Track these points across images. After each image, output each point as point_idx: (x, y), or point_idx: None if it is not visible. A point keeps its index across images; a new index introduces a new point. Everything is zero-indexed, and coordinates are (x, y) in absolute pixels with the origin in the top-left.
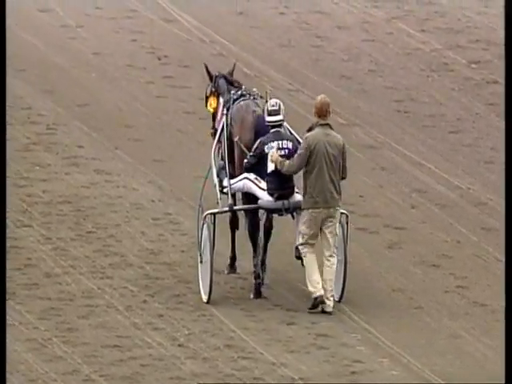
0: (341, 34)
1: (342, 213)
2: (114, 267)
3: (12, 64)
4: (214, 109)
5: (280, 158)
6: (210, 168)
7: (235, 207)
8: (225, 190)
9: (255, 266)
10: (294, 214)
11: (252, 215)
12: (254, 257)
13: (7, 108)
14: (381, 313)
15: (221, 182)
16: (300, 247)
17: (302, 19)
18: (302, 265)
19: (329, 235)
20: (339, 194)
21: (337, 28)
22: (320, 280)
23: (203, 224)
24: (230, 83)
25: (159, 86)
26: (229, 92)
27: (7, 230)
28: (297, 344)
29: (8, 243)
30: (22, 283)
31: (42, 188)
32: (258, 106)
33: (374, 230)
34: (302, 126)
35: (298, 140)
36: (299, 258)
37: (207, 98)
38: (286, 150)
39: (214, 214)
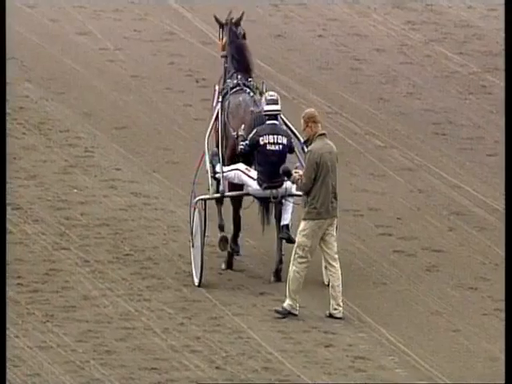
0: (379, 57)
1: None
2: (152, 289)
3: (51, 87)
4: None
5: (297, 177)
6: (203, 157)
7: (226, 194)
8: (217, 176)
9: (233, 242)
10: (283, 201)
11: (237, 202)
12: (233, 237)
13: (46, 131)
14: (419, 335)
15: (213, 168)
16: (298, 259)
17: (340, 42)
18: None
19: (331, 241)
20: (337, 201)
21: (375, 51)
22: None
23: (194, 209)
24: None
25: (197, 109)
26: (225, 81)
27: (45, 253)
28: (334, 366)
29: (46, 266)
30: (59, 305)
31: (80, 211)
32: (255, 104)
33: (412, 253)
34: (340, 148)
35: (293, 133)
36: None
37: (223, 45)
38: (281, 146)
39: (205, 200)
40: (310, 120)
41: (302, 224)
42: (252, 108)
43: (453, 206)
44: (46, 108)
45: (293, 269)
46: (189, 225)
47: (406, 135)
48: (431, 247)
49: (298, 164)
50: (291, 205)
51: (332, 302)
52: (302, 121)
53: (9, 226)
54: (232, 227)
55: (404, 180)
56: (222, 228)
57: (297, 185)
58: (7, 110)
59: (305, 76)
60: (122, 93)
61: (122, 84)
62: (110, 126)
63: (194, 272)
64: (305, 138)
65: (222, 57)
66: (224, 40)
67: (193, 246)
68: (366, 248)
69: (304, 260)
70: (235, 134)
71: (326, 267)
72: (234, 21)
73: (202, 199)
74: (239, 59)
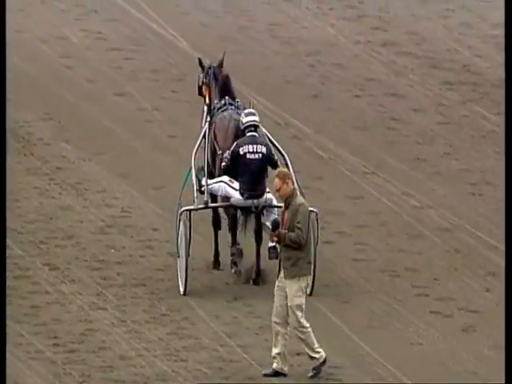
0: (416, 117)
1: (311, 211)
2: (188, 350)
3: (88, 147)
4: (205, 96)
5: (283, 232)
6: (190, 170)
7: (210, 205)
8: (202, 189)
9: (232, 254)
10: (264, 211)
11: (231, 213)
12: (231, 246)
13: (83, 191)
14: None
15: (199, 181)
16: (302, 321)
17: (377, 102)
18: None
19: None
20: None
21: (412, 111)
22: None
23: (179, 221)
24: (216, 78)
25: None
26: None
27: (82, 313)
28: None
29: (83, 326)
30: (96, 366)
31: (117, 270)
32: (239, 115)
33: (449, 313)
34: (376, 208)
35: (274, 144)
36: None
37: (200, 87)
38: (260, 154)
39: (190, 210)
40: (287, 177)
41: (298, 283)
42: (235, 117)
43: (489, 266)
44: (84, 168)
45: (301, 331)
46: (175, 235)
47: (442, 195)
48: (468, 308)
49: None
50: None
51: (310, 352)
52: (277, 179)
53: (46, 286)
54: (230, 237)
55: (441, 240)
56: (216, 259)
57: (281, 240)
58: (45, 171)
59: (341, 136)
60: (159, 153)
61: (159, 144)
62: (147, 186)
63: (179, 280)
64: (282, 196)
65: (200, 95)
66: (202, 81)
67: (178, 257)
68: (403, 308)
69: (304, 319)
70: (220, 152)
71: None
72: (216, 64)
73: (186, 210)
74: (224, 87)
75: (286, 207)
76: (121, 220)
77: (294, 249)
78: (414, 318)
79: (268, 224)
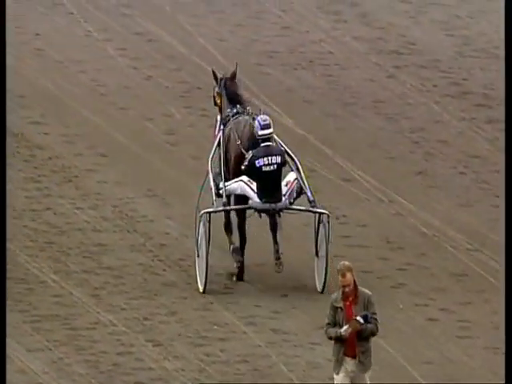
0: None
1: (323, 213)
2: None
3: (190, 224)
4: (218, 105)
5: (358, 326)
6: (207, 176)
7: (229, 207)
8: (220, 192)
9: (241, 255)
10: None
11: (241, 214)
12: (240, 249)
13: (186, 267)
14: None
15: (217, 185)
16: None
17: (481, 178)
18: None
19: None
20: None
21: None
22: None
23: (199, 222)
24: (229, 89)
25: (338, 246)
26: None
27: None
28: None
29: None
30: None
31: (220, 347)
32: (253, 120)
33: None
34: (481, 286)
35: (287, 152)
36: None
37: (214, 97)
38: (275, 165)
39: (210, 212)
40: (351, 269)
41: (368, 374)
42: (250, 121)
43: None
44: (187, 244)
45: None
46: (194, 236)
47: None
48: None
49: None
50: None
51: None
52: (348, 274)
53: (149, 363)
54: (238, 238)
55: None
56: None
57: (356, 329)
58: (149, 247)
59: (445, 213)
60: (263, 231)
61: (261, 222)
62: (251, 264)
63: (198, 279)
64: (353, 289)
65: (215, 105)
66: (216, 92)
67: (198, 256)
68: None
69: None
70: (239, 142)
71: None
72: (229, 75)
73: (206, 212)
74: (234, 97)
75: (353, 299)
76: (224, 296)
77: (368, 341)
78: None
79: (359, 318)
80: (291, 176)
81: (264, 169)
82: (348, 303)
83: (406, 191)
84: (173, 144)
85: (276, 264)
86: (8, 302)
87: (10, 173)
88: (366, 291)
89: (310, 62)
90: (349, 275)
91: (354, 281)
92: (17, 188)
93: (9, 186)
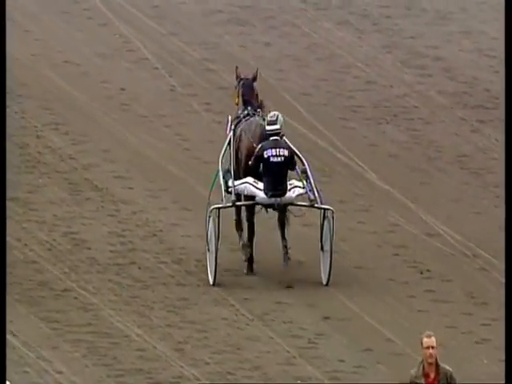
0: None
1: (327, 209)
2: None
3: (279, 279)
4: (236, 103)
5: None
6: (217, 173)
7: (237, 203)
8: (229, 190)
9: (249, 247)
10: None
11: (250, 208)
12: (249, 240)
13: (269, 321)
14: None
15: (226, 183)
16: None
17: None
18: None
19: None
20: None
21: None
22: None
23: (209, 217)
24: (245, 90)
25: (421, 300)
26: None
27: None
28: None
29: None
30: None
31: None
32: (264, 120)
33: None
34: None
35: (296, 153)
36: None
37: (237, 94)
38: (283, 157)
39: (219, 208)
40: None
41: None
42: (261, 122)
43: None
44: (271, 298)
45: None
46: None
47: None
48: None
49: None
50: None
51: None
52: (434, 349)
53: None
54: (247, 233)
55: None
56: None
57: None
58: (232, 301)
59: None
60: (344, 285)
61: (343, 275)
62: (335, 317)
63: (208, 272)
64: (435, 360)
65: (236, 104)
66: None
67: (208, 250)
68: None
69: None
70: (245, 153)
71: None
72: (250, 77)
73: (216, 208)
74: (247, 97)
75: (435, 376)
76: (307, 351)
77: None
78: None
79: None
80: (296, 182)
81: (272, 159)
82: (430, 380)
83: (490, 246)
84: None
85: (284, 259)
86: (92, 356)
87: (94, 227)
88: (447, 367)
89: (395, 116)
90: (434, 351)
91: (436, 357)
92: (101, 242)
93: (93, 241)
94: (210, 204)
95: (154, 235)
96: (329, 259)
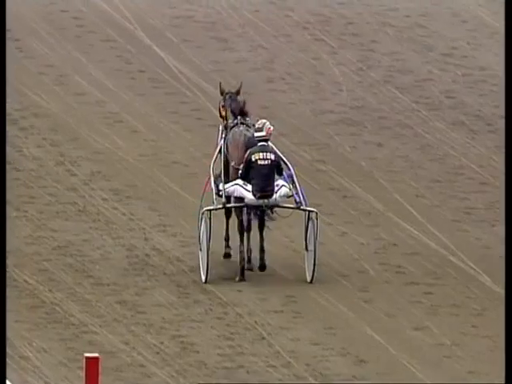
0: None
1: (312, 211)
2: None
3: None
4: (223, 117)
5: None
6: (209, 179)
7: (227, 205)
8: (220, 193)
9: (241, 252)
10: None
11: (240, 212)
12: (240, 244)
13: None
14: None
15: (217, 187)
16: None
17: None
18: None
19: None
20: None
21: None
22: None
23: (201, 219)
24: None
25: None
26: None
27: None
28: None
29: None
30: None
31: None
32: (248, 131)
33: None
34: None
35: (282, 160)
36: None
37: (220, 109)
38: (269, 160)
39: (210, 210)
40: None
41: None
42: (245, 133)
43: None
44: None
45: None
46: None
47: None
48: None
49: None
50: None
51: None
52: None
53: None
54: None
55: None
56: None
57: None
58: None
59: None
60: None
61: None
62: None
63: (201, 270)
64: None
65: (220, 117)
66: (222, 105)
67: (200, 250)
68: None
69: None
70: (234, 162)
71: None
72: (234, 90)
73: (207, 209)
74: (236, 110)
75: None
76: None
77: None
78: None
79: None
80: (282, 181)
81: (260, 162)
82: None
83: None
84: (366, 301)
85: (260, 259)
86: None
87: (203, 330)
88: None
89: None
90: None
91: None
92: (209, 345)
93: (202, 344)
94: (202, 207)
95: (263, 338)
96: (313, 258)
